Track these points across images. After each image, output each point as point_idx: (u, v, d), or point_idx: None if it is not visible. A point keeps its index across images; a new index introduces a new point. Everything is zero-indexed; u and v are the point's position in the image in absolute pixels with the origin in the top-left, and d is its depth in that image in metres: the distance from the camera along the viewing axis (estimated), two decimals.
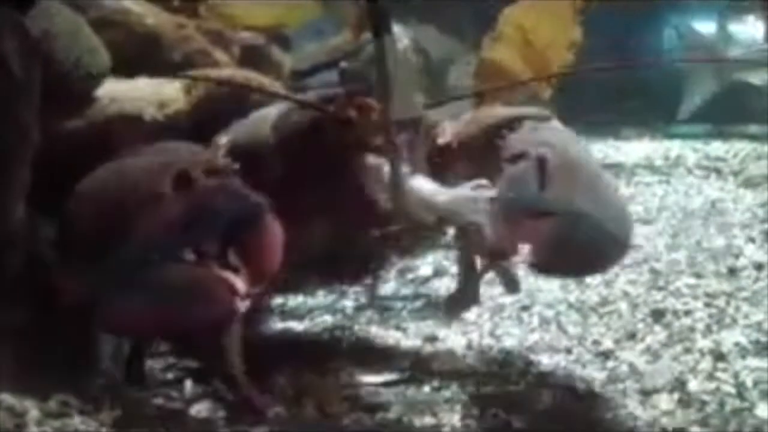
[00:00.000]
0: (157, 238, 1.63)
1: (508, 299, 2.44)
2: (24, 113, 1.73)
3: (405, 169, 1.89)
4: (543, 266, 1.76)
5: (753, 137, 4.27)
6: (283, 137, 1.98)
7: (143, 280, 1.61)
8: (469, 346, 2.23)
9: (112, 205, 1.68)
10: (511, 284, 2.36)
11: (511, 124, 1.98)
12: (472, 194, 1.81)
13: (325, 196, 1.89)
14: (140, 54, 2.41)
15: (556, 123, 2.07)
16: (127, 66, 2.27)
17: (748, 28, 4.91)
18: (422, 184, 1.90)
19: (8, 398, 1.63)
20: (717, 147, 4.10)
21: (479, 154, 2.01)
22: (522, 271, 2.59)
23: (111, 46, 2.19)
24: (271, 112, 2.05)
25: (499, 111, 2.13)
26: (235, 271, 1.68)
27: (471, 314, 2.40)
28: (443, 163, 2.13)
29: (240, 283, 1.66)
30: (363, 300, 2.51)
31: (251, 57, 2.88)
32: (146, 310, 1.63)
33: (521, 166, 1.77)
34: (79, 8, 2.23)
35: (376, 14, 1.84)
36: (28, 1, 1.76)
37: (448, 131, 2.09)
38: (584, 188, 1.72)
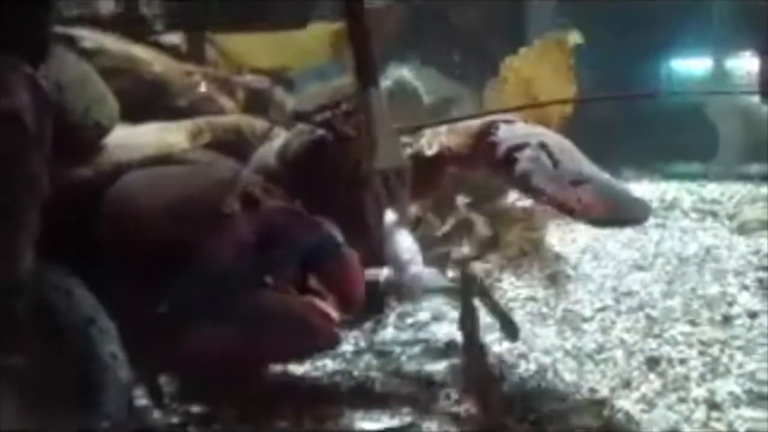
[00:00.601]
0: (235, 262, 1.64)
1: (505, 346, 2.47)
2: (34, 164, 1.75)
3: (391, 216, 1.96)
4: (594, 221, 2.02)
5: (749, 178, 4.30)
6: (287, 162, 2.02)
7: (234, 306, 1.61)
8: (467, 392, 2.25)
9: (179, 226, 1.68)
10: (511, 331, 2.40)
11: (490, 128, 2.19)
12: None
13: (328, 214, 1.91)
14: (147, 101, 2.45)
15: (520, 123, 2.30)
16: (134, 112, 2.32)
17: (744, 63, 4.96)
18: (402, 240, 1.99)
19: None
20: (712, 189, 4.13)
21: (467, 158, 2.14)
22: (520, 318, 2.65)
23: (118, 94, 2.23)
24: (275, 143, 2.10)
25: (473, 121, 2.35)
26: (320, 297, 1.69)
27: None
28: (432, 173, 2.24)
29: (333, 311, 1.67)
30: (362, 344, 2.53)
31: (256, 101, 2.92)
32: (242, 337, 1.62)
33: (527, 152, 2.00)
34: (88, 56, 2.29)
35: (364, 67, 1.90)
36: (41, 55, 1.80)
37: (434, 143, 2.19)
38: (583, 161, 1.99)
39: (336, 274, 1.73)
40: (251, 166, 2.10)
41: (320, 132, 2.01)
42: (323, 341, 1.71)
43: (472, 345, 2.14)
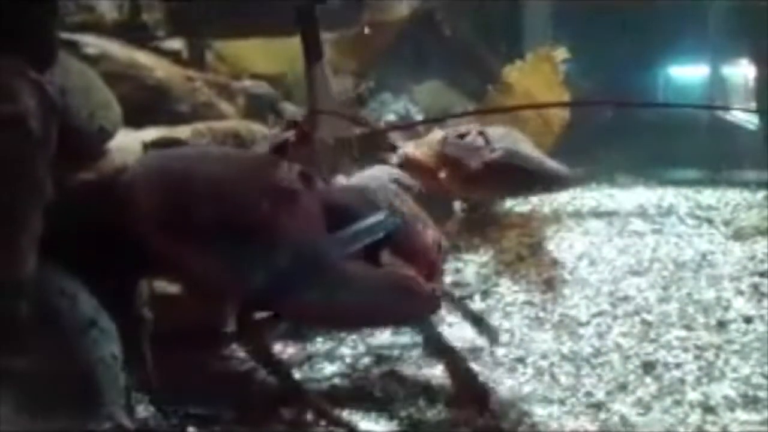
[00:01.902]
0: (312, 235, 1.69)
1: (502, 350, 2.49)
2: (39, 168, 1.78)
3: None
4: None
5: (746, 185, 4.33)
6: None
7: (339, 277, 1.67)
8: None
9: (248, 205, 1.72)
10: (491, 334, 2.45)
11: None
12: None
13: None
14: (150, 106, 2.48)
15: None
16: (136, 117, 2.34)
17: (741, 71, 4.99)
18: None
19: None
20: (709, 195, 4.16)
21: (430, 167, 2.28)
22: (517, 323, 2.68)
23: (121, 99, 2.26)
24: None
25: (438, 133, 2.64)
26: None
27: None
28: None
29: (423, 280, 1.73)
30: (361, 348, 2.55)
31: (255, 106, 2.95)
32: (344, 302, 1.68)
33: (467, 138, 2.32)
34: (92, 61, 2.31)
35: (310, 47, 2.01)
36: (46, 61, 1.82)
37: (398, 154, 2.34)
38: (521, 144, 2.30)
39: (412, 247, 1.78)
40: None
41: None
42: (427, 306, 1.76)
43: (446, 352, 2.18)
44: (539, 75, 3.75)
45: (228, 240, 1.73)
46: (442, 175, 2.42)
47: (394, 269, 1.77)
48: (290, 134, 2.06)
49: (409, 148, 2.48)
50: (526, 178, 2.49)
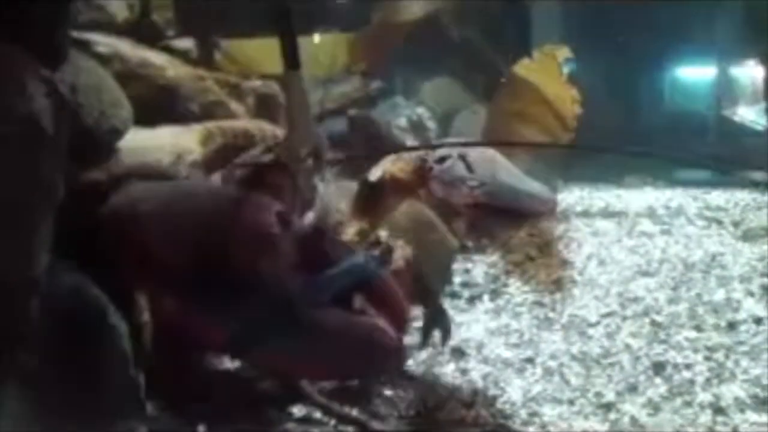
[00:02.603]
0: (294, 282, 1.66)
1: (511, 352, 2.49)
2: (50, 168, 1.78)
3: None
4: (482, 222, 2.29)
5: (754, 185, 4.32)
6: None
7: (304, 326, 1.64)
8: (474, 396, 2.27)
9: (223, 249, 1.69)
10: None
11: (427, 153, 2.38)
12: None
13: None
14: (160, 105, 2.48)
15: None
16: (147, 116, 2.34)
17: (748, 71, 4.98)
18: None
19: None
20: (717, 196, 4.15)
21: (408, 183, 2.24)
22: (526, 323, 2.67)
23: (132, 98, 2.26)
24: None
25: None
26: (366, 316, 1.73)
27: (476, 364, 2.45)
28: (376, 198, 2.36)
29: (392, 331, 1.70)
30: None
31: (265, 105, 2.95)
32: (314, 357, 1.66)
33: (446, 162, 2.21)
34: (103, 60, 2.31)
35: (288, 53, 1.99)
36: (58, 59, 1.82)
37: (376, 170, 2.32)
38: (502, 170, 2.20)
39: (385, 294, 1.75)
40: None
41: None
42: (393, 360, 1.74)
43: None
44: (546, 72, 3.75)
45: (200, 283, 1.70)
46: (421, 193, 2.39)
47: (366, 319, 1.73)
48: (267, 159, 2.07)
49: (387, 164, 2.44)
50: (511, 217, 2.43)
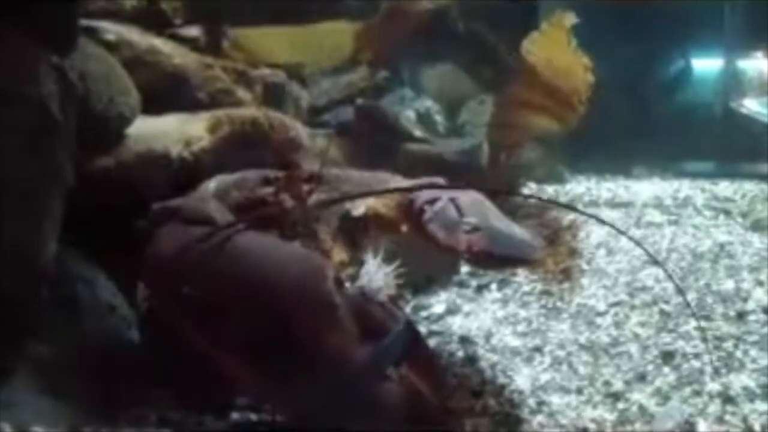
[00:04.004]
0: (352, 353, 1.60)
1: (519, 341, 2.49)
2: (59, 154, 1.78)
3: None
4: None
5: (762, 177, 4.31)
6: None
7: (369, 399, 1.59)
8: (482, 385, 2.27)
9: (286, 319, 1.62)
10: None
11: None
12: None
13: None
14: (168, 92, 2.48)
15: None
16: (154, 104, 2.34)
17: (756, 63, 4.97)
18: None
19: (40, 430, 1.67)
20: (725, 187, 4.14)
21: (391, 219, 2.27)
22: (534, 312, 2.67)
23: (140, 85, 2.26)
24: (210, 185, 2.12)
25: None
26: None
27: (484, 353, 2.44)
28: (358, 232, 2.36)
29: (436, 402, 1.68)
30: None
31: (273, 94, 2.95)
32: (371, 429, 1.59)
33: (437, 204, 2.13)
34: (111, 48, 2.31)
35: None
36: (68, 46, 1.82)
37: (361, 204, 2.31)
38: (491, 215, 2.15)
39: (426, 363, 1.72)
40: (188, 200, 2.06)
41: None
42: (440, 426, 1.71)
43: None
44: (555, 42, 3.67)
45: (259, 354, 1.63)
46: (404, 229, 2.37)
47: (414, 389, 1.66)
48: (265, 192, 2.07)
49: (370, 201, 2.42)
50: (501, 263, 2.40)
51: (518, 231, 2.27)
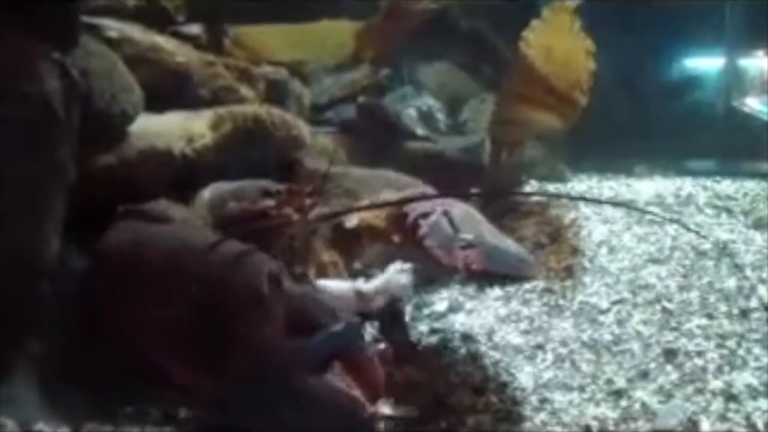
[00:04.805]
0: (281, 345, 1.62)
1: (522, 338, 2.49)
2: (62, 151, 1.78)
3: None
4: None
5: (764, 175, 4.30)
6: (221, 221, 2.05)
7: (295, 391, 1.60)
8: (484, 382, 2.27)
9: (217, 303, 1.66)
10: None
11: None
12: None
13: None
14: (170, 90, 2.48)
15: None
16: (157, 101, 2.34)
17: (757, 62, 4.96)
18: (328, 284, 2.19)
19: (43, 427, 1.67)
20: (727, 185, 4.13)
21: (383, 230, 2.31)
22: (537, 310, 2.67)
23: (142, 83, 2.26)
24: (205, 194, 2.13)
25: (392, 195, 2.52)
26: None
27: (486, 350, 2.44)
28: (351, 244, 2.37)
29: (367, 403, 1.68)
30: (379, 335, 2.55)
31: (275, 91, 2.95)
32: (299, 421, 1.61)
33: (431, 218, 2.15)
34: (113, 45, 2.31)
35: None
36: (70, 43, 1.82)
37: (353, 217, 2.33)
38: (483, 229, 2.18)
39: (362, 364, 1.72)
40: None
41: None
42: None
43: None
44: (558, 28, 3.63)
45: (192, 338, 1.69)
46: (396, 239, 2.36)
47: (344, 388, 1.67)
48: (266, 205, 2.07)
49: (363, 213, 2.42)
50: (492, 272, 2.41)
51: (512, 246, 2.29)
